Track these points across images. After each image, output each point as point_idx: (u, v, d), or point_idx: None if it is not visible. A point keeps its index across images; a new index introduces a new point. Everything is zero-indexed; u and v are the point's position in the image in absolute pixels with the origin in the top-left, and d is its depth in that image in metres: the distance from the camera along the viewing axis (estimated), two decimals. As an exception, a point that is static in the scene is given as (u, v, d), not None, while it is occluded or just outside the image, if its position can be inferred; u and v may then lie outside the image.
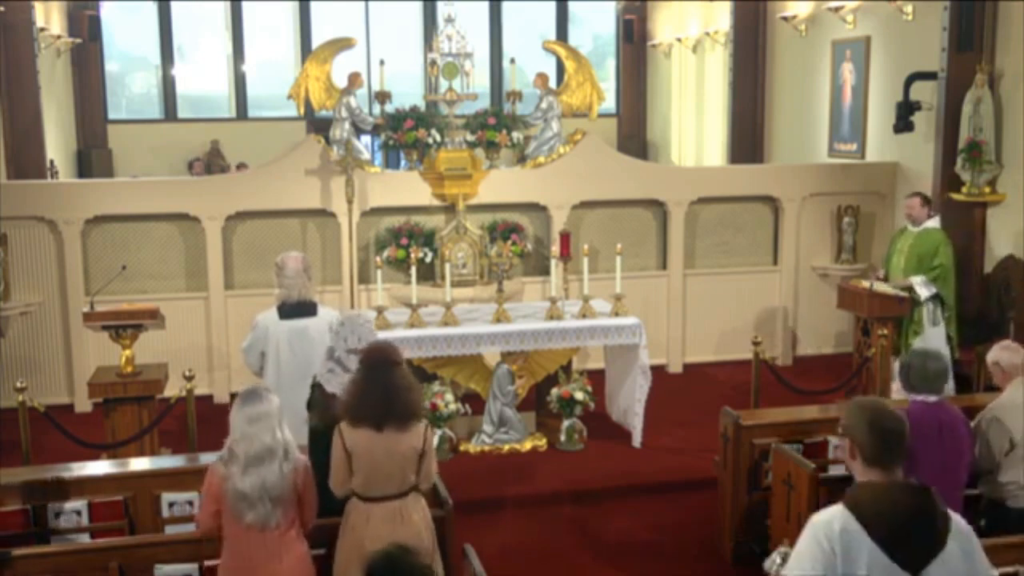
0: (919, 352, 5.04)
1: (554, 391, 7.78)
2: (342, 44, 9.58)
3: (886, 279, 8.43)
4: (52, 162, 13.13)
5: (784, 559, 3.29)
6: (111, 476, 5.31)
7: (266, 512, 4.06)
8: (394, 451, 4.28)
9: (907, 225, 8.41)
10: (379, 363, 4.38)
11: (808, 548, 3.04)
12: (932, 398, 4.91)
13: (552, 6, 18.08)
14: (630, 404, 7.86)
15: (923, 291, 8.09)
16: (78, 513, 5.12)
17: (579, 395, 7.69)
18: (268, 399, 4.16)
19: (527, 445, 7.78)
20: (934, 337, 8.06)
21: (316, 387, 5.15)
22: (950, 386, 7.83)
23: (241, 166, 14.65)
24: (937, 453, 4.86)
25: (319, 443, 4.77)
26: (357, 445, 4.29)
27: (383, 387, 4.30)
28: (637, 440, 7.80)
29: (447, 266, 8.00)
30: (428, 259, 9.07)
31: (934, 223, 8.24)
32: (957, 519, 3.13)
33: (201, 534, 4.35)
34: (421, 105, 9.61)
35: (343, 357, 5.04)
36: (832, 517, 3.05)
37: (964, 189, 8.78)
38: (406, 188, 9.30)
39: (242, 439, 4.08)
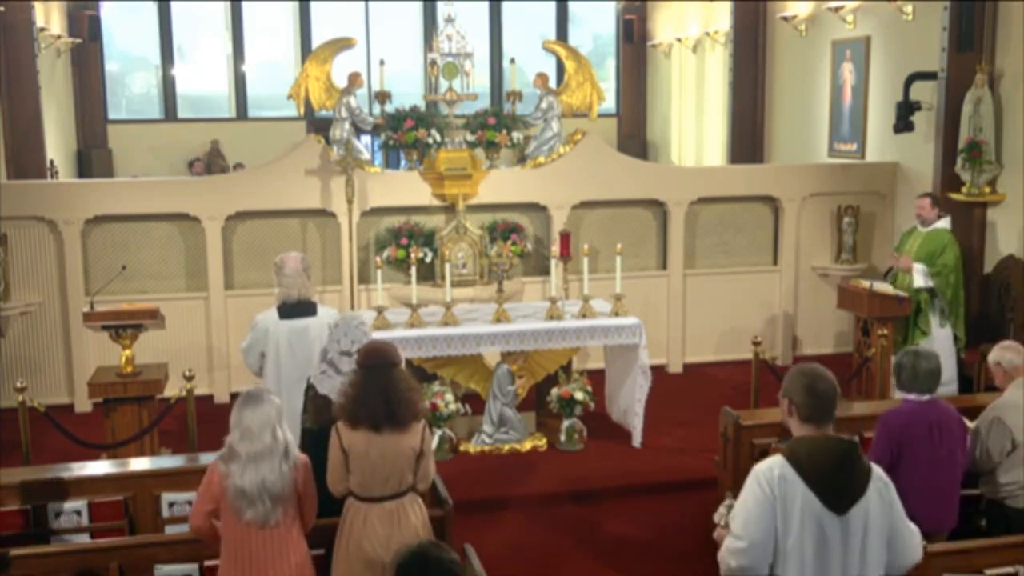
0: (910, 351, 5.05)
1: (554, 391, 7.78)
2: (342, 44, 9.58)
3: (890, 276, 8.37)
4: (52, 162, 13.13)
5: (730, 510, 3.62)
6: (111, 476, 5.31)
7: (265, 510, 4.06)
8: (391, 452, 4.27)
9: (916, 225, 8.37)
10: (377, 364, 4.37)
11: (752, 492, 3.47)
12: (924, 397, 4.93)
13: (552, 6, 18.08)
14: (630, 404, 7.86)
15: (919, 279, 8.05)
16: (78, 513, 5.12)
17: (579, 395, 7.69)
18: (269, 400, 4.17)
19: (527, 445, 7.78)
20: (941, 338, 8.05)
21: (310, 389, 5.15)
22: (953, 388, 7.86)
23: (238, 166, 14.66)
24: (929, 452, 4.87)
25: (313, 444, 4.77)
26: (354, 446, 4.29)
27: (381, 388, 4.29)
28: (637, 440, 7.80)
29: (447, 266, 8.00)
30: (428, 259, 9.07)
31: (944, 223, 8.21)
32: (878, 470, 3.57)
33: (193, 534, 4.32)
34: (421, 105, 9.61)
35: (336, 359, 5.03)
36: (772, 465, 3.50)
37: (964, 189, 8.78)
38: (406, 188, 9.30)
39: (243, 438, 4.09)
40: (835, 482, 3.45)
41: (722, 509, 3.72)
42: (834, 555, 3.44)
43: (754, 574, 3.45)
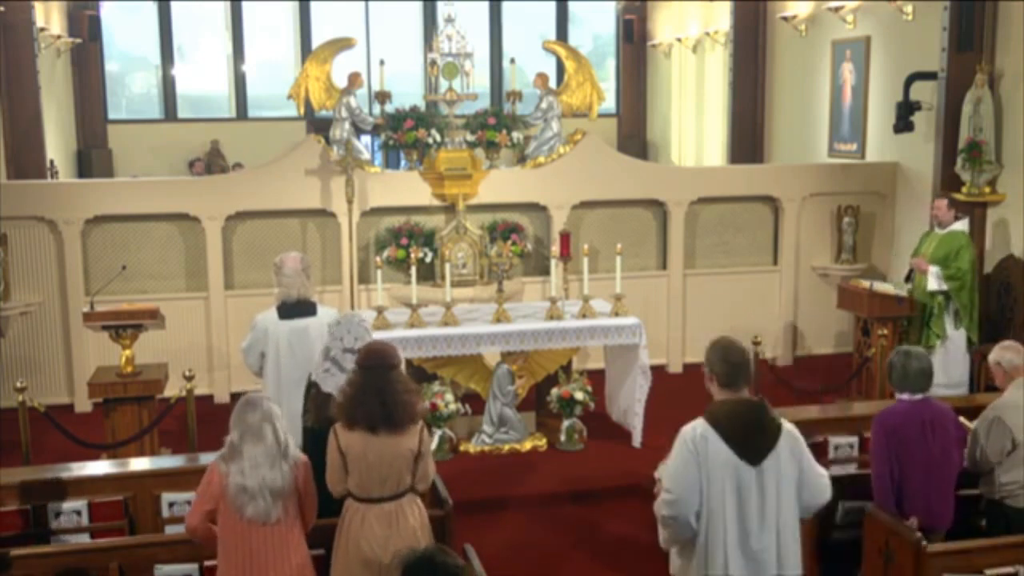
0: (901, 351, 5.07)
1: (554, 391, 7.78)
2: (342, 44, 9.58)
3: (912, 279, 8.36)
4: (52, 162, 13.13)
5: None
6: (111, 476, 5.32)
7: (267, 505, 4.07)
8: (389, 454, 4.27)
9: (934, 227, 8.34)
10: (376, 365, 4.36)
11: (678, 451, 4.03)
12: (917, 396, 4.94)
13: (552, 6, 18.08)
14: (630, 404, 7.86)
15: (933, 283, 8.05)
16: (78, 513, 5.12)
17: (579, 395, 7.69)
18: (267, 404, 4.19)
19: (527, 445, 7.78)
20: (956, 341, 8.05)
21: (312, 387, 5.14)
22: (963, 390, 7.87)
23: (237, 166, 14.66)
24: (923, 450, 4.88)
25: (314, 443, 4.77)
26: (351, 447, 4.28)
27: (378, 390, 4.28)
28: (637, 440, 7.80)
29: (447, 266, 8.00)
30: (428, 259, 9.07)
31: (961, 225, 8.16)
32: (789, 426, 4.06)
33: (188, 534, 4.31)
34: (421, 105, 9.61)
35: (339, 356, 5.03)
36: (695, 427, 4.04)
37: (964, 189, 8.77)
38: (406, 188, 9.30)
39: (242, 437, 4.10)
40: (749, 438, 3.96)
41: (661, 467, 4.24)
42: (752, 501, 3.93)
43: (683, 521, 3.97)
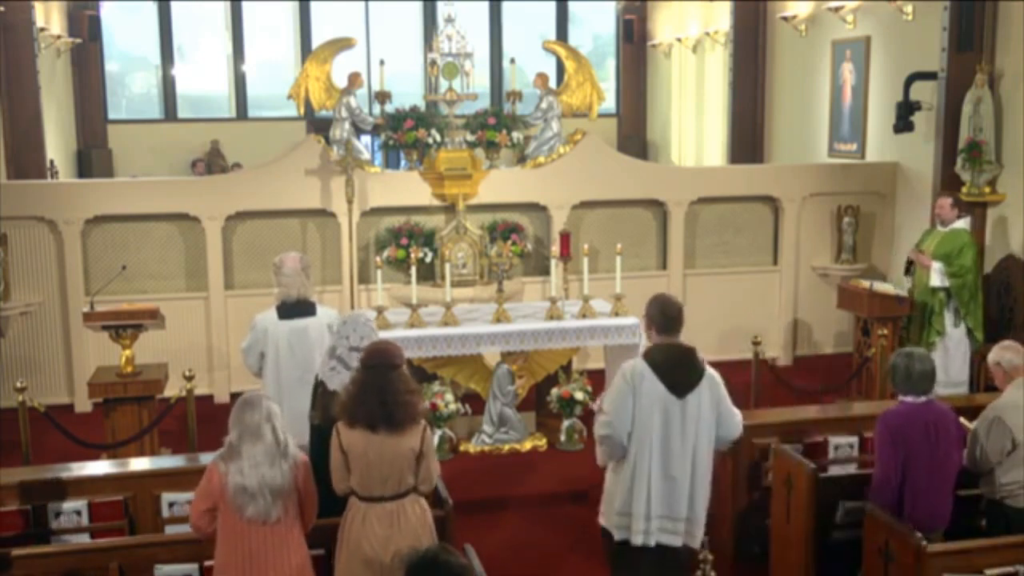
0: (904, 353, 5.06)
1: (554, 391, 7.78)
2: (342, 44, 9.58)
3: (911, 271, 8.36)
4: (52, 162, 13.13)
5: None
6: (111, 476, 5.31)
7: (267, 505, 4.07)
8: (390, 453, 4.26)
9: (936, 225, 8.34)
10: (378, 364, 4.36)
11: (617, 383, 4.73)
12: (920, 399, 4.94)
13: (552, 6, 18.07)
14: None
15: (936, 279, 8.05)
16: (78, 513, 5.12)
17: (579, 395, 7.70)
18: (266, 403, 4.19)
19: (527, 445, 7.78)
20: (956, 338, 8.05)
21: (319, 385, 5.14)
22: (964, 389, 7.87)
23: (236, 166, 14.66)
24: (927, 452, 4.89)
25: (320, 441, 4.77)
26: (352, 445, 4.28)
27: (379, 389, 4.28)
28: (637, 440, 7.78)
29: (447, 266, 7.99)
30: (428, 259, 9.07)
31: (963, 224, 8.17)
32: (711, 371, 4.81)
33: (194, 532, 4.33)
34: (421, 105, 9.61)
35: (345, 355, 5.03)
36: (634, 364, 4.74)
37: (964, 189, 8.77)
38: (406, 188, 9.30)
39: (241, 437, 4.10)
40: (676, 375, 4.69)
41: (601, 397, 4.93)
42: (675, 428, 4.65)
43: (616, 440, 4.67)
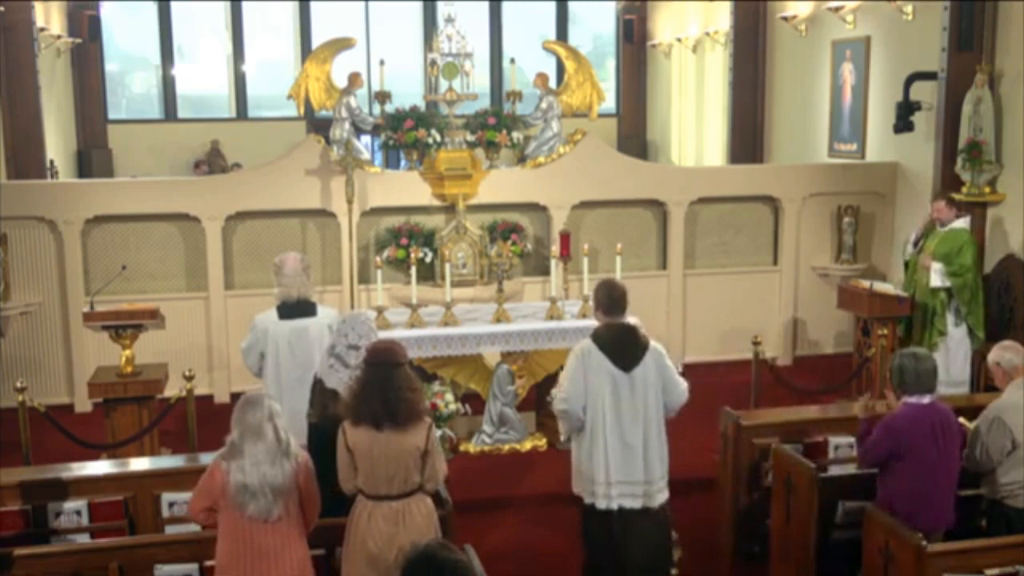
0: (908, 354, 5.05)
1: (554, 391, 7.76)
2: (342, 44, 9.58)
3: (910, 256, 8.37)
4: (52, 162, 13.13)
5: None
6: (111, 476, 5.31)
7: (268, 503, 4.08)
8: (395, 451, 4.27)
9: (936, 225, 8.33)
10: (381, 363, 4.37)
11: (570, 362, 5.25)
12: (925, 399, 4.94)
13: (552, 6, 18.08)
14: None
15: (936, 279, 8.05)
16: (78, 513, 5.12)
17: (579, 395, 7.68)
18: (268, 402, 4.20)
19: (527, 445, 7.78)
20: (957, 338, 8.06)
21: (317, 384, 5.15)
22: (965, 388, 7.88)
23: (236, 166, 14.66)
24: (931, 454, 4.89)
25: (318, 439, 4.77)
26: (358, 444, 4.29)
27: (383, 388, 4.29)
28: (637, 440, 7.78)
29: (447, 266, 7.99)
30: (428, 259, 9.07)
31: (962, 223, 8.16)
32: (655, 345, 5.28)
33: (194, 521, 4.39)
34: (421, 105, 9.61)
35: (343, 353, 5.04)
36: (583, 344, 5.25)
37: (964, 189, 8.77)
38: (406, 188, 9.30)
39: (243, 436, 4.11)
40: (622, 351, 5.17)
41: (553, 391, 5.39)
42: (624, 399, 5.13)
43: (572, 414, 5.16)
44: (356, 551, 4.32)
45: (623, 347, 5.18)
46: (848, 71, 11.09)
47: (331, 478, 4.42)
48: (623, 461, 5.13)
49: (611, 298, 5.29)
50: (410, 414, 4.31)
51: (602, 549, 5.24)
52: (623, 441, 5.14)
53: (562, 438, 5.51)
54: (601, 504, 5.17)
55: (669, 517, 5.27)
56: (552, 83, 10.04)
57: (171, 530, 5.16)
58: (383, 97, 9.16)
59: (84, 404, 8.73)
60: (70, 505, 5.12)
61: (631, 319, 7.71)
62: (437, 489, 4.56)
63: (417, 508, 4.35)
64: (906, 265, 8.53)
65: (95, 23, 15.88)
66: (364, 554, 4.29)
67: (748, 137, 13.25)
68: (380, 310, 7.60)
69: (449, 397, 7.60)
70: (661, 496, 5.23)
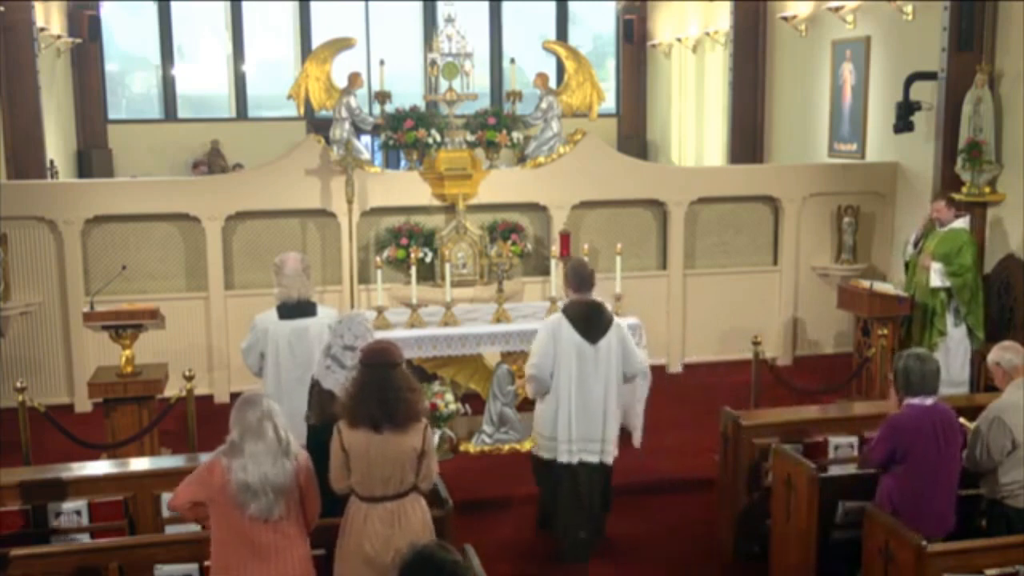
0: (911, 355, 5.05)
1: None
2: (342, 44, 9.57)
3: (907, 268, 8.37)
4: (52, 162, 13.13)
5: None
6: (111, 476, 5.31)
7: (268, 502, 4.08)
8: (392, 452, 4.26)
9: (935, 225, 8.33)
10: (378, 364, 4.36)
11: (541, 332, 5.98)
12: (928, 401, 4.95)
13: (552, 6, 18.08)
14: (630, 404, 7.84)
15: (936, 279, 8.05)
16: (78, 513, 5.12)
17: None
18: (267, 403, 4.19)
19: (527, 445, 7.74)
20: (957, 338, 8.06)
21: (314, 385, 5.15)
22: (964, 389, 7.88)
23: (237, 166, 14.66)
24: (934, 455, 4.90)
25: (316, 440, 4.76)
26: (354, 446, 4.28)
27: (381, 388, 4.28)
28: (637, 440, 7.79)
29: (447, 266, 8.00)
30: (428, 259, 9.07)
31: (962, 223, 8.17)
32: (619, 320, 6.04)
33: (172, 510, 4.41)
34: (421, 105, 9.61)
35: (339, 354, 5.04)
36: (554, 318, 5.99)
37: (964, 189, 8.77)
38: (406, 188, 9.30)
39: (243, 436, 4.10)
40: (588, 324, 5.83)
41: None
42: (589, 367, 5.82)
43: (541, 378, 5.85)
44: (352, 553, 4.31)
45: (590, 321, 5.84)
46: (848, 71, 11.09)
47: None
48: (585, 421, 5.85)
49: (580, 277, 5.91)
50: (409, 415, 4.31)
51: (558, 498, 5.99)
52: (586, 404, 5.84)
53: (528, 396, 6.18)
54: (563, 458, 5.90)
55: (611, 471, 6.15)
56: (552, 83, 10.04)
57: (171, 530, 5.15)
58: (383, 97, 9.16)
59: (84, 404, 8.73)
60: (70, 505, 5.12)
61: (631, 319, 7.85)
62: (431, 488, 4.56)
63: (412, 508, 4.35)
64: (906, 266, 8.54)
65: (95, 23, 15.88)
66: (360, 556, 4.29)
67: (748, 137, 13.25)
68: (380, 310, 7.60)
69: (449, 397, 7.60)
70: (613, 453, 6.01)
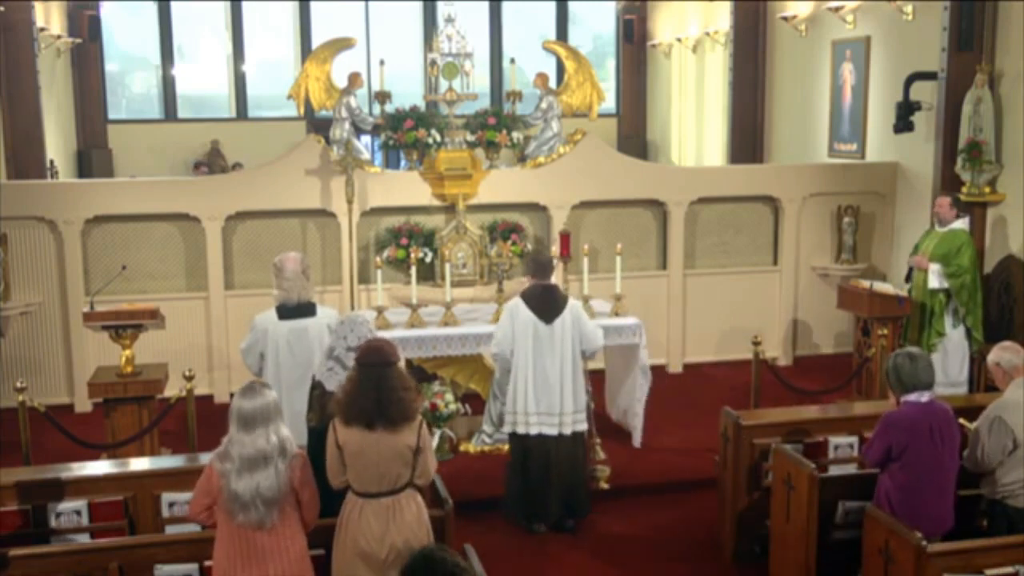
0: (904, 353, 5.06)
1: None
2: (342, 44, 9.58)
3: (911, 279, 8.37)
4: (52, 162, 13.13)
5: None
6: (111, 476, 5.31)
7: (259, 515, 4.07)
8: (386, 451, 4.26)
9: (935, 225, 8.34)
10: (373, 362, 4.35)
11: (503, 315, 6.65)
12: (924, 397, 4.95)
13: (552, 6, 18.08)
14: (630, 404, 7.86)
15: (934, 280, 8.06)
16: (78, 513, 5.12)
17: (579, 395, 7.70)
18: (265, 394, 4.18)
19: (527, 445, 7.76)
20: (955, 339, 8.06)
21: (316, 386, 5.14)
22: (963, 389, 7.88)
23: (236, 166, 14.66)
24: (930, 452, 4.89)
25: (318, 443, 4.76)
26: (348, 443, 4.28)
27: (375, 387, 4.28)
28: (637, 440, 7.80)
29: (447, 266, 7.99)
30: (428, 259, 9.07)
31: (962, 224, 8.18)
32: (574, 301, 6.54)
33: (192, 521, 4.41)
34: (421, 105, 9.61)
35: (342, 355, 5.03)
36: (514, 300, 6.53)
37: (964, 189, 8.78)
38: (406, 188, 9.30)
39: (236, 441, 4.09)
40: (543, 306, 6.37)
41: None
42: (545, 345, 6.34)
43: (502, 356, 6.48)
44: (347, 548, 4.31)
45: (545, 303, 6.38)
46: (848, 71, 11.09)
47: (331, 480, 4.42)
48: (543, 395, 6.32)
49: (538, 263, 6.53)
50: (403, 414, 4.30)
51: (520, 468, 6.47)
52: (543, 380, 6.32)
53: (497, 375, 6.91)
54: (521, 430, 6.38)
55: (584, 443, 6.62)
56: (552, 83, 10.04)
57: (171, 530, 5.15)
58: (383, 97, 9.16)
59: (84, 404, 8.73)
60: (70, 505, 5.12)
61: (631, 319, 7.86)
62: (428, 484, 4.55)
63: (407, 504, 4.34)
64: (910, 270, 8.51)
65: (95, 23, 15.88)
66: (356, 552, 4.29)
67: (748, 137, 13.26)
68: (380, 310, 7.60)
69: (449, 397, 7.60)
70: (578, 427, 6.43)
